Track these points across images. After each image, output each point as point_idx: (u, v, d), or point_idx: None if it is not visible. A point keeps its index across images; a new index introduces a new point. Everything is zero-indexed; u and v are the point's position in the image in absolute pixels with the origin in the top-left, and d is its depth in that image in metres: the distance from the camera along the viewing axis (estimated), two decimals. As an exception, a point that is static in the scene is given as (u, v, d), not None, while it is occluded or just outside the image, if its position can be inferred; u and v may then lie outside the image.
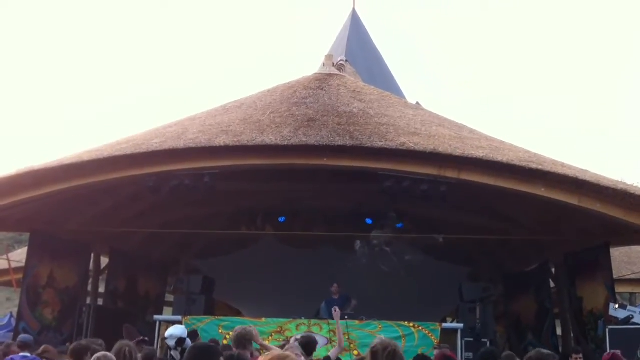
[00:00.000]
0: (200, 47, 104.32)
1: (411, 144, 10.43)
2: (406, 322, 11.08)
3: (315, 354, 7.17)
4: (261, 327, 10.46)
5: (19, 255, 15.61)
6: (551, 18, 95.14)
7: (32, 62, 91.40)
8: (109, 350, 4.93)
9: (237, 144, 10.64)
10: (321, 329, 10.92)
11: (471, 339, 11.24)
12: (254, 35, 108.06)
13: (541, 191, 10.20)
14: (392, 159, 10.44)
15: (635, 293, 18.79)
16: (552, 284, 14.10)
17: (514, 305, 15.39)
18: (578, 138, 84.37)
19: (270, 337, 10.46)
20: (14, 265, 14.47)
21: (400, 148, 10.34)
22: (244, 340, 5.32)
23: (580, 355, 9.09)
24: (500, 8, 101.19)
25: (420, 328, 10.95)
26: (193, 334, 9.17)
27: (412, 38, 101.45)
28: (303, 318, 11.18)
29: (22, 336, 8.91)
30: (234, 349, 5.24)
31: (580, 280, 12.49)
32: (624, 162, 70.30)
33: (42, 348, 7.75)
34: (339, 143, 10.38)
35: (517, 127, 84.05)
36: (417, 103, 17.39)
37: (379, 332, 10.61)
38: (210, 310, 13.29)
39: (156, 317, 12.54)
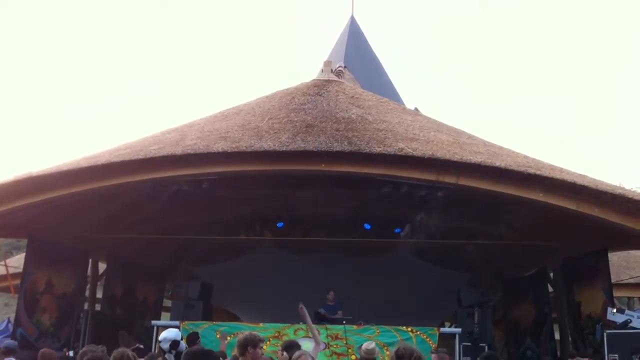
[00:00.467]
0: (199, 53, 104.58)
1: (409, 150, 10.45)
2: (404, 327, 11.08)
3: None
4: (259, 332, 10.44)
5: (17, 261, 15.58)
6: (549, 21, 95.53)
7: (32, 62, 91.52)
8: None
9: (236, 150, 10.65)
10: (319, 333, 10.91)
11: (469, 344, 11.23)
12: (253, 41, 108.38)
13: (539, 196, 10.22)
14: (390, 164, 10.45)
15: (634, 297, 18.80)
16: (550, 289, 14.11)
17: (512, 310, 15.40)
18: (576, 141, 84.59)
19: (268, 342, 10.45)
20: (11, 271, 14.44)
21: (399, 154, 10.35)
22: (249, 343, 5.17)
23: (577, 360, 9.11)
24: (497, 14, 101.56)
25: (418, 333, 10.96)
26: (194, 336, 9.14)
27: (410, 44, 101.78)
28: (301, 323, 11.17)
29: (6, 342, 8.89)
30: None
31: (579, 285, 12.51)
32: (623, 166, 70.48)
33: (40, 352, 7.69)
34: (338, 149, 10.40)
35: (515, 131, 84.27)
36: (416, 109, 17.43)
37: (376, 337, 10.62)
38: (208, 315, 13.28)
39: (154, 322, 12.52)
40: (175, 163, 10.77)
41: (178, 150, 10.83)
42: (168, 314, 15.82)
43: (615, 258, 14.98)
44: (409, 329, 11.02)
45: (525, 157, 11.47)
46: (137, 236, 13.84)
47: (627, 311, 10.57)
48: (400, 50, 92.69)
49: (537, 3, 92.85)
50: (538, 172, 10.24)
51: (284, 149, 10.52)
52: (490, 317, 13.37)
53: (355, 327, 11.11)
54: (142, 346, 9.28)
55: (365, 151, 10.38)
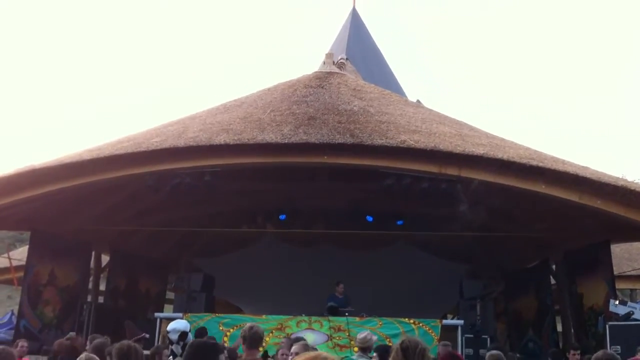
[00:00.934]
0: (200, 45, 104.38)
1: (412, 142, 10.44)
2: (406, 319, 11.10)
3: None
4: (262, 324, 10.47)
5: (20, 254, 15.63)
6: (552, 13, 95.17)
7: (33, 62, 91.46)
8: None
9: (238, 142, 10.64)
10: (322, 325, 10.95)
11: (471, 336, 11.27)
12: (255, 33, 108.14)
13: (542, 188, 10.22)
14: (392, 156, 10.45)
15: (636, 289, 18.83)
16: (552, 281, 14.13)
17: (514, 302, 15.42)
18: (578, 135, 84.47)
19: (270, 334, 10.48)
20: (15, 263, 14.49)
21: (401, 146, 10.35)
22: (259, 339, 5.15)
23: (579, 352, 9.12)
24: (500, 5, 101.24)
25: (421, 324, 10.97)
26: (202, 331, 9.18)
27: (412, 36, 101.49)
28: (304, 315, 11.20)
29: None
30: (244, 346, 5.09)
31: (581, 277, 12.52)
32: (625, 158, 70.37)
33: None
34: (340, 141, 10.39)
35: (517, 124, 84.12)
36: (418, 101, 17.43)
37: (379, 329, 10.64)
38: (210, 307, 13.33)
39: (157, 314, 12.56)
40: (178, 155, 10.78)
41: (180, 143, 10.83)
42: (171, 306, 15.88)
43: (618, 250, 15.00)
44: (412, 321, 11.03)
45: (528, 149, 11.46)
46: (139, 228, 13.86)
47: (629, 303, 10.58)
48: (402, 43, 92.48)
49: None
50: (541, 164, 10.24)
51: (286, 141, 10.51)
52: (492, 309, 13.41)
53: (357, 319, 11.13)
54: (147, 335, 9.33)
55: (367, 143, 10.37)
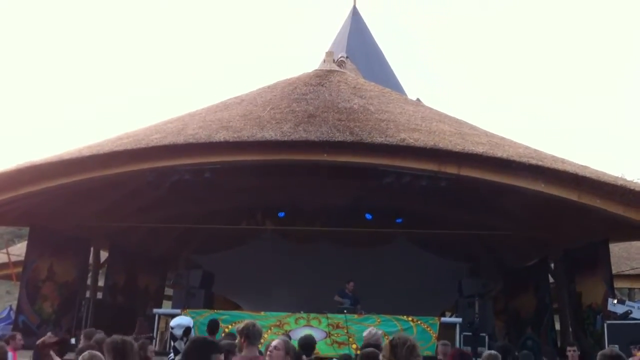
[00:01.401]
0: (200, 43, 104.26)
1: (411, 140, 10.44)
2: (405, 316, 11.12)
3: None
4: (260, 320, 10.47)
5: (19, 250, 15.64)
6: (552, 13, 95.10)
7: (33, 62, 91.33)
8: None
9: (237, 139, 10.64)
10: (320, 322, 10.97)
11: (469, 334, 11.29)
12: (255, 31, 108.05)
13: (541, 187, 10.22)
14: (392, 154, 10.45)
15: (634, 288, 18.81)
16: (551, 280, 14.14)
17: (513, 301, 15.44)
18: (578, 134, 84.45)
19: (269, 331, 10.49)
20: (13, 259, 14.50)
21: (401, 144, 10.34)
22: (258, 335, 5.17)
23: (575, 349, 9.14)
24: (500, 4, 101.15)
25: (419, 322, 10.99)
26: (214, 324, 9.12)
27: (412, 34, 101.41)
28: (302, 312, 11.22)
29: None
30: (242, 340, 5.09)
31: (579, 276, 12.52)
32: (624, 157, 70.38)
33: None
34: (339, 139, 10.39)
35: (517, 122, 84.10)
36: (418, 99, 17.46)
37: (377, 326, 10.62)
38: (209, 304, 13.35)
39: (156, 310, 12.58)
40: (177, 152, 10.78)
41: (180, 140, 10.83)
42: (169, 303, 15.91)
43: (616, 249, 15.00)
44: (410, 319, 11.06)
45: (527, 148, 11.46)
46: (138, 225, 13.87)
47: (627, 302, 10.59)
48: (402, 41, 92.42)
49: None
50: (540, 163, 10.23)
51: (286, 138, 10.51)
52: (491, 307, 13.43)
53: (356, 316, 11.16)
54: (154, 337, 9.30)
55: (367, 141, 10.37)
